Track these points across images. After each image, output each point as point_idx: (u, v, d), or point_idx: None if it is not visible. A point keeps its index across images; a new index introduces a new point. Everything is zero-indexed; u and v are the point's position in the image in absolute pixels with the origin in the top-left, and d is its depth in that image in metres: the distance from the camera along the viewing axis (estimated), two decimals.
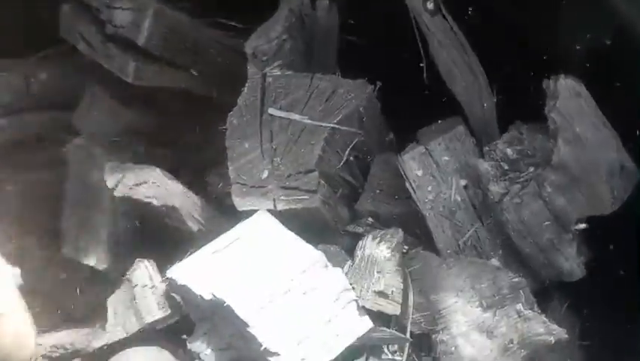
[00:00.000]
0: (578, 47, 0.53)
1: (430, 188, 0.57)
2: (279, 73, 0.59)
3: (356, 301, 0.55)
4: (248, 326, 0.51)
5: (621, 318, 0.59)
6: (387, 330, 0.56)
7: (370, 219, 0.60)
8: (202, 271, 0.53)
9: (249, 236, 0.55)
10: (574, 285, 0.61)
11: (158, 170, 0.61)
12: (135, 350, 0.57)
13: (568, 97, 0.49)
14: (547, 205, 0.54)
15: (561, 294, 0.61)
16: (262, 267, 0.54)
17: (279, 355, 0.51)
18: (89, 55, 0.66)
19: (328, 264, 0.55)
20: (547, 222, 0.55)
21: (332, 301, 0.54)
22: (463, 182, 0.57)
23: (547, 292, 0.61)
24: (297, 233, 0.55)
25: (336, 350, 0.53)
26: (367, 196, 0.61)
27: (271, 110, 0.57)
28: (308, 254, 0.54)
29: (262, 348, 0.50)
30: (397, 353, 0.58)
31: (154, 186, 0.61)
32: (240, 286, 0.52)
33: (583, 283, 0.61)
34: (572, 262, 0.55)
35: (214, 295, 0.52)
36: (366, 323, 0.55)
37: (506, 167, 0.54)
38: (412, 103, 0.62)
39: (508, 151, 0.54)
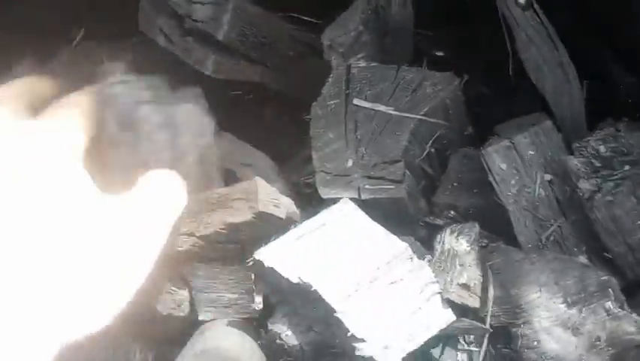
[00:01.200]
0: None
1: (513, 182, 0.57)
2: (364, 64, 0.59)
3: (440, 293, 0.54)
4: (335, 311, 0.50)
5: None
6: (467, 320, 0.55)
7: (452, 212, 0.60)
8: (288, 255, 0.53)
9: (333, 223, 0.54)
10: None
11: None
12: (223, 328, 0.57)
13: None
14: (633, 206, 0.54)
15: None
16: (348, 254, 0.53)
17: (364, 341, 0.50)
18: (168, 48, 0.66)
19: (413, 255, 0.54)
20: (639, 221, 0.55)
21: (417, 293, 0.53)
22: (547, 177, 0.56)
23: (634, 291, 0.61)
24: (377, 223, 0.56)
25: (419, 341, 0.52)
26: (445, 189, 0.61)
27: (356, 101, 0.57)
28: (393, 245, 0.54)
29: (349, 334, 0.50)
30: (474, 344, 0.58)
31: None
32: (326, 272, 0.52)
33: None
34: None
35: (301, 280, 0.51)
36: (450, 316, 0.54)
37: (598, 164, 0.53)
38: (494, 98, 0.62)
39: (601, 148, 0.53)
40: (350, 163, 0.56)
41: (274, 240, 0.55)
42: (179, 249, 0.59)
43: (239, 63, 0.66)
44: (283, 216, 0.56)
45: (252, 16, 0.65)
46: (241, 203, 0.58)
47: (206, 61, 0.64)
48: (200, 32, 0.64)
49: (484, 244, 0.59)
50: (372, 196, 0.56)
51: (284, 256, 0.54)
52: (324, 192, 0.57)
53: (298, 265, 0.53)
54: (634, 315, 0.53)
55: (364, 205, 0.56)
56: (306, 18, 0.68)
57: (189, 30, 0.64)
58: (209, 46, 0.64)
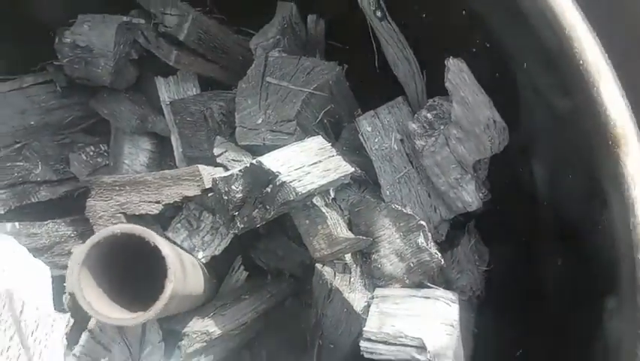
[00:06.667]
0: None
1: (376, 140, 0.80)
2: (277, 55, 0.83)
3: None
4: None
5: (522, 248, 0.79)
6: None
7: None
8: None
9: None
10: (481, 223, 0.82)
11: None
12: None
13: (455, 72, 0.69)
14: (452, 152, 0.73)
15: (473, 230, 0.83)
16: None
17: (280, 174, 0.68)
18: (145, 46, 0.91)
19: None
20: (453, 165, 0.74)
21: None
22: (399, 137, 0.79)
23: (461, 227, 0.82)
24: None
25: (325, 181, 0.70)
26: (337, 150, 0.84)
27: (268, 79, 0.81)
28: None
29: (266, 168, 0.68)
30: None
31: None
32: None
33: (488, 219, 0.82)
34: (472, 196, 0.76)
35: None
36: (348, 168, 0.73)
37: (426, 126, 0.76)
38: (374, 86, 0.85)
39: (428, 115, 0.76)
40: (260, 121, 0.80)
41: None
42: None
43: (196, 60, 0.91)
44: None
45: (207, 26, 0.89)
46: (190, 182, 0.82)
47: (170, 55, 0.89)
48: (168, 35, 0.89)
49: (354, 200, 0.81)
50: (272, 144, 0.79)
51: None
52: (241, 141, 0.80)
53: None
54: (432, 250, 0.74)
55: (267, 149, 0.79)
56: (248, 30, 0.93)
57: (161, 33, 0.89)
58: (173, 45, 0.89)
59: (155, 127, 0.93)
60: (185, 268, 0.65)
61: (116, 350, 0.74)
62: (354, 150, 0.83)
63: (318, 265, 0.78)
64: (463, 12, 0.65)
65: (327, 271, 0.78)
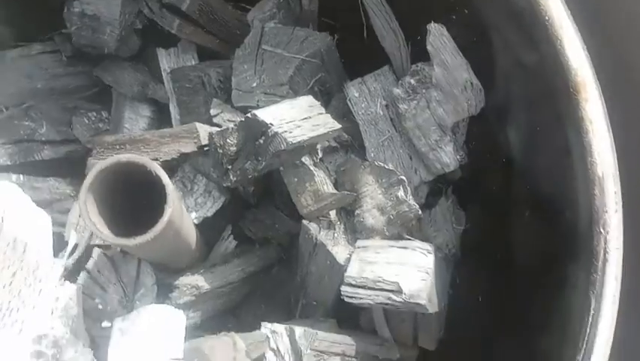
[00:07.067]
0: None
1: (362, 105, 0.85)
2: (273, 25, 0.89)
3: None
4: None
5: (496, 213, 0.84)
6: None
7: None
8: None
9: None
10: (458, 189, 0.88)
11: None
12: None
13: (436, 35, 0.74)
14: (432, 115, 0.78)
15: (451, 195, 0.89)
16: None
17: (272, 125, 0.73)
18: (149, 16, 0.97)
19: None
20: (433, 127, 0.78)
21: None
22: (384, 102, 0.85)
23: (440, 190, 0.88)
24: None
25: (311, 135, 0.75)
26: None
27: (264, 47, 0.87)
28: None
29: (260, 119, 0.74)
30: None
31: None
32: None
33: (465, 186, 0.88)
34: (450, 157, 0.81)
35: None
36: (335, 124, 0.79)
37: (410, 91, 0.82)
38: (362, 59, 0.91)
39: (412, 81, 0.82)
40: (254, 84, 0.85)
41: None
42: None
43: (196, 30, 0.97)
44: None
45: (209, 2, 0.96)
46: (187, 139, 0.88)
47: (173, 23, 0.94)
48: (171, 6, 0.95)
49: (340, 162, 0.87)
50: (266, 105, 0.85)
51: None
52: (236, 102, 0.86)
53: None
54: (411, 202, 0.79)
55: None
56: (246, 6, 0.99)
57: (165, 4, 0.95)
58: (176, 14, 0.95)
59: (155, 94, 0.98)
60: (182, 208, 0.70)
61: (111, 290, 0.79)
62: (341, 117, 0.88)
63: (305, 222, 0.84)
64: None
65: (312, 227, 0.83)
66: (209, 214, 0.90)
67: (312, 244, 0.83)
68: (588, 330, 0.52)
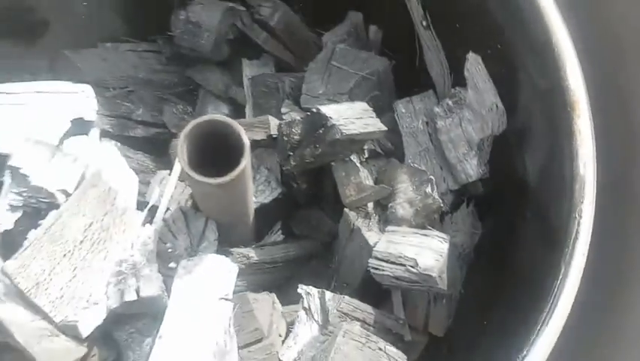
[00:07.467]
0: None
1: (407, 120, 1.02)
2: (342, 47, 1.08)
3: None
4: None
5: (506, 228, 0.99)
6: None
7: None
8: None
9: None
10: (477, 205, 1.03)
11: None
12: None
13: (473, 63, 0.89)
14: (463, 131, 0.91)
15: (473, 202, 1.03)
16: None
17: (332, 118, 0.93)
18: (242, 28, 1.17)
19: None
20: (462, 142, 0.90)
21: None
22: (425, 119, 1.02)
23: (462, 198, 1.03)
24: None
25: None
26: None
27: (333, 62, 1.05)
28: None
29: (322, 112, 0.94)
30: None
31: None
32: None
33: (483, 202, 1.02)
34: (474, 169, 0.96)
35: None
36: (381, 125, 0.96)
37: (447, 110, 0.99)
38: (413, 81, 1.08)
39: (450, 102, 0.98)
40: (320, 92, 1.03)
41: None
42: None
43: (279, 45, 1.16)
44: None
45: (292, 20, 1.14)
46: (259, 128, 1.06)
47: (260, 36, 1.14)
48: (261, 21, 1.14)
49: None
50: None
51: None
52: (304, 104, 1.04)
53: None
54: (435, 196, 0.94)
55: None
56: (322, 31, 1.18)
57: (256, 19, 1.15)
58: (264, 29, 1.14)
59: (236, 95, 1.18)
60: (250, 174, 0.88)
61: (180, 238, 0.96)
62: (388, 130, 1.05)
63: (346, 210, 1.00)
64: (486, 22, 0.89)
65: (352, 214, 0.99)
66: (266, 201, 1.07)
67: (350, 229, 0.99)
68: (557, 289, 0.66)
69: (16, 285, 0.85)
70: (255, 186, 1.07)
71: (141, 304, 0.87)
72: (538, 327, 0.65)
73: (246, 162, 0.77)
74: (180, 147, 0.77)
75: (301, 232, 1.12)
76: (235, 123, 0.77)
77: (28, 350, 0.82)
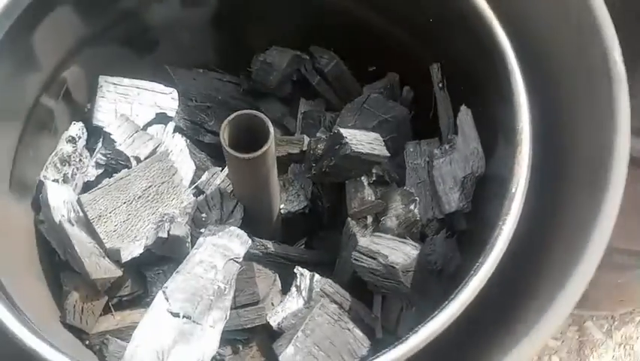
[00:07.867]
0: None
1: (413, 157, 1.24)
2: (376, 95, 1.33)
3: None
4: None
5: None
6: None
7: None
8: None
9: None
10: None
11: None
12: None
13: (463, 113, 1.05)
14: (451, 170, 1.13)
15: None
16: None
17: None
18: (304, 73, 1.46)
19: None
20: (449, 178, 1.11)
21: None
22: (427, 159, 1.25)
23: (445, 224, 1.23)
24: None
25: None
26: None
27: (365, 106, 1.30)
28: None
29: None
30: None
31: None
32: None
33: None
34: (455, 201, 1.16)
35: None
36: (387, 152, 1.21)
37: (443, 152, 1.21)
38: (426, 129, 1.32)
39: (446, 146, 1.20)
40: (350, 125, 1.28)
41: None
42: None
43: (329, 89, 1.43)
44: None
45: (342, 70, 1.38)
46: (295, 144, 1.33)
47: (315, 79, 1.43)
48: (319, 69, 1.42)
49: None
50: None
51: None
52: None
53: None
54: (416, 211, 1.16)
55: None
56: (364, 83, 1.45)
57: (315, 67, 1.43)
58: (319, 75, 1.43)
59: (289, 125, 1.46)
60: (274, 162, 1.13)
61: (214, 212, 1.21)
62: (396, 164, 1.29)
63: (349, 219, 1.23)
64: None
65: (352, 223, 1.22)
66: (293, 210, 1.32)
67: (349, 234, 1.22)
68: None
69: (85, 213, 1.13)
70: (285, 196, 1.32)
71: (170, 245, 1.12)
72: None
73: (268, 146, 1.03)
74: (223, 130, 1.04)
75: (320, 249, 1.35)
76: (265, 117, 1.04)
77: (82, 259, 1.08)
